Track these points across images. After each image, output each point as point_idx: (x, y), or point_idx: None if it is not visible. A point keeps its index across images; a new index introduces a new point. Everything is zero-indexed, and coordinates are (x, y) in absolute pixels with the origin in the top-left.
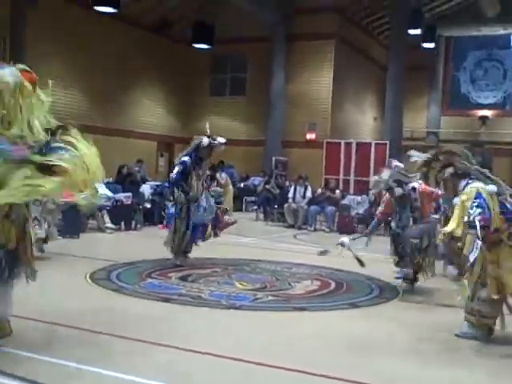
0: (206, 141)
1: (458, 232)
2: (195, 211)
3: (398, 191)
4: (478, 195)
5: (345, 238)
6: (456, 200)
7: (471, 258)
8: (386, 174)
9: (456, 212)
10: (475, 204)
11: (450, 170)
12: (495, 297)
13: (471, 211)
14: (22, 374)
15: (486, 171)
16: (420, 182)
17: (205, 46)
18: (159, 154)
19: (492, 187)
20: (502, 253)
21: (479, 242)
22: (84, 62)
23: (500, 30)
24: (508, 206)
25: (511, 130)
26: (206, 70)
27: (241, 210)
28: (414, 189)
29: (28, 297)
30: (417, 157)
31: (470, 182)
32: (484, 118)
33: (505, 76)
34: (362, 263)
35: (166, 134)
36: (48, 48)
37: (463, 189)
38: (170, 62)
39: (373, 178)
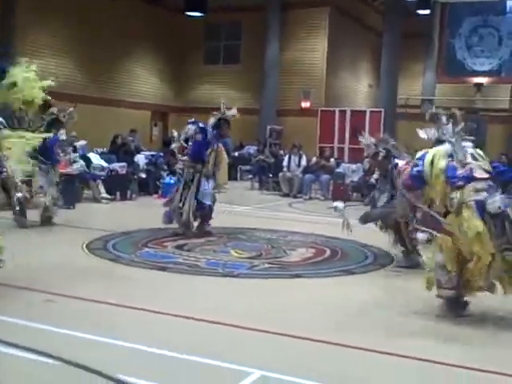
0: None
1: None
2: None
3: (382, 154)
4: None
5: (339, 203)
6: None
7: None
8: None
9: None
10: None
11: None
12: (448, 266)
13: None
14: (17, 341)
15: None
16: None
17: (198, 14)
18: (153, 124)
19: (446, 146)
20: (450, 219)
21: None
22: (75, 31)
23: None
24: (457, 171)
25: (506, 97)
26: (199, 39)
27: (236, 179)
28: (395, 165)
29: (24, 266)
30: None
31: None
32: (479, 85)
33: (500, 42)
34: (349, 228)
35: (159, 103)
36: (38, 17)
37: None
38: (163, 30)
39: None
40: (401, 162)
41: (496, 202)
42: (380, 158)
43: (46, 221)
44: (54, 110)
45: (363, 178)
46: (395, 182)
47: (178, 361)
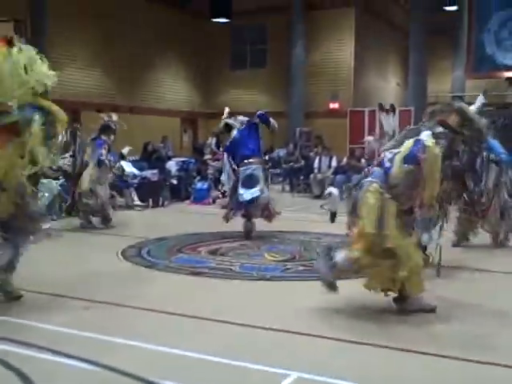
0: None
1: None
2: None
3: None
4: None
5: (333, 189)
6: None
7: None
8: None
9: None
10: None
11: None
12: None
13: None
14: (61, 349)
15: None
16: None
17: (223, 20)
18: (183, 130)
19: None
20: None
21: None
22: (104, 41)
23: None
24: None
25: None
26: (225, 44)
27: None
28: None
29: (61, 274)
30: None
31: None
32: (511, 80)
33: None
34: (332, 219)
35: (188, 109)
36: (68, 29)
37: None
38: (189, 36)
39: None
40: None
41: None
42: None
43: (104, 222)
44: (104, 116)
45: None
46: None
47: (217, 365)
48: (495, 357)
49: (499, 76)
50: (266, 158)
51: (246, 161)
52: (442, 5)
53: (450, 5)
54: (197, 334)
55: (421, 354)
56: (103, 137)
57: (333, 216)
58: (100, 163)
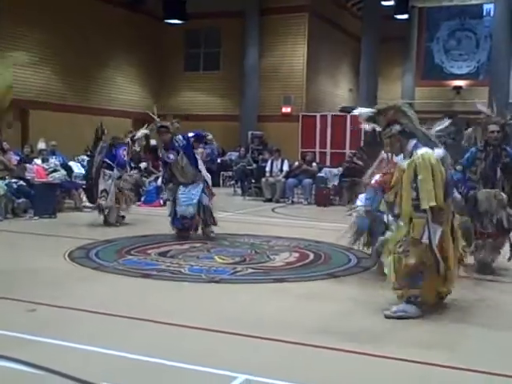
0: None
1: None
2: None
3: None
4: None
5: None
6: (399, 162)
7: (427, 240)
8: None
9: (405, 181)
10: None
11: (397, 127)
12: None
13: (420, 194)
14: (4, 353)
15: (431, 134)
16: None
17: (177, 22)
18: (129, 131)
19: (439, 151)
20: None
21: (436, 227)
22: (55, 39)
23: (472, 0)
24: (449, 176)
25: (484, 100)
26: (179, 46)
27: (218, 185)
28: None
29: (5, 275)
30: (359, 111)
31: (419, 145)
32: (458, 88)
33: (477, 45)
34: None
35: (140, 110)
36: (18, 28)
37: (411, 151)
38: (142, 38)
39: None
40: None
41: None
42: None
43: (118, 220)
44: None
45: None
46: None
47: (162, 367)
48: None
49: (447, 84)
50: (218, 161)
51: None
52: (393, 13)
53: (401, 13)
54: (141, 335)
55: (367, 356)
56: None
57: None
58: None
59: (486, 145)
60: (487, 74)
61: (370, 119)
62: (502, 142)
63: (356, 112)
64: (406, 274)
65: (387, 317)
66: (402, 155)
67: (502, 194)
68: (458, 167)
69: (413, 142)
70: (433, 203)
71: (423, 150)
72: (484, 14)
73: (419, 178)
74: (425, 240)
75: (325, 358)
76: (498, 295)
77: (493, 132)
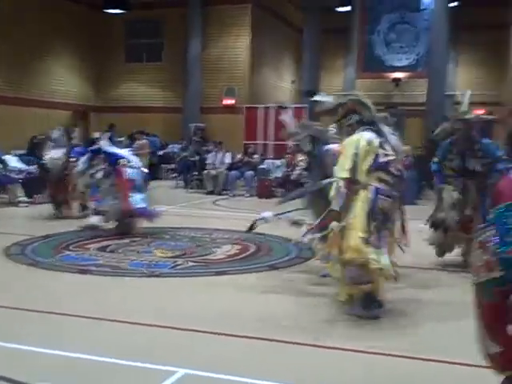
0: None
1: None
2: None
3: (306, 147)
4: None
5: (267, 213)
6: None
7: (334, 207)
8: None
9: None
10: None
11: (356, 117)
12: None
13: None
14: None
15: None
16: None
17: (118, 11)
18: (73, 124)
19: (371, 134)
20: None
21: (341, 190)
22: None
23: None
24: (379, 159)
25: (423, 92)
26: (120, 36)
27: (160, 178)
28: (326, 151)
29: None
30: (322, 97)
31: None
32: (397, 80)
33: (417, 38)
34: (251, 228)
35: (80, 102)
36: None
37: None
38: (82, 27)
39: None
40: (333, 146)
41: None
42: (305, 149)
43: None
44: None
45: (286, 173)
46: (328, 169)
47: (102, 364)
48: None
49: (387, 77)
50: (161, 153)
51: None
52: (335, 5)
53: (342, 6)
54: (79, 333)
55: (307, 346)
56: None
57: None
58: None
59: (457, 139)
60: (426, 66)
61: (330, 111)
62: (470, 135)
63: (318, 98)
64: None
65: (348, 313)
66: None
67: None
68: (435, 159)
69: (363, 128)
70: (342, 175)
71: (359, 135)
72: (423, 7)
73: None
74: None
75: (264, 350)
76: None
77: (458, 129)
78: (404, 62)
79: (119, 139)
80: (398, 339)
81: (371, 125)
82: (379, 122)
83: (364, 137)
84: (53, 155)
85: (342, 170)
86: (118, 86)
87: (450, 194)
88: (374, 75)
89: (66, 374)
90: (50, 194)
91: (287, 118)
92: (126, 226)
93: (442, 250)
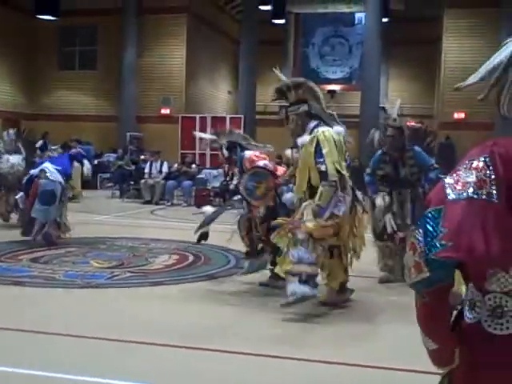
0: None
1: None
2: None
3: (224, 152)
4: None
5: (208, 207)
6: (301, 140)
7: (337, 212)
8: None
9: (303, 156)
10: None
11: (304, 106)
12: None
13: (323, 166)
14: None
15: (335, 115)
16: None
17: (50, 18)
18: (5, 132)
19: (339, 128)
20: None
21: (344, 195)
22: None
23: (344, 9)
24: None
25: (357, 104)
26: (53, 43)
27: (96, 187)
28: (242, 157)
29: None
30: (282, 78)
31: (320, 124)
32: (332, 92)
33: (350, 51)
34: (201, 239)
35: (10, 109)
36: None
37: (311, 131)
38: (13, 33)
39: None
40: (249, 153)
41: None
42: (225, 153)
43: None
44: None
45: (224, 183)
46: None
47: (35, 378)
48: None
49: (322, 89)
50: (96, 162)
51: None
52: (270, 18)
53: (278, 18)
54: (12, 346)
55: (243, 355)
56: None
57: (202, 235)
58: None
59: (389, 146)
60: (359, 79)
61: (281, 92)
62: (401, 144)
63: (280, 75)
64: (297, 245)
65: (283, 306)
66: (303, 137)
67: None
68: (367, 169)
69: (314, 122)
70: (335, 177)
71: (324, 128)
72: (356, 22)
73: (324, 151)
74: (331, 210)
75: (202, 359)
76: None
77: (389, 136)
78: (338, 75)
79: (53, 148)
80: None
81: (319, 119)
82: (327, 119)
83: (334, 130)
84: (12, 160)
85: (332, 171)
86: (51, 93)
87: (383, 198)
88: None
89: None
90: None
91: (202, 134)
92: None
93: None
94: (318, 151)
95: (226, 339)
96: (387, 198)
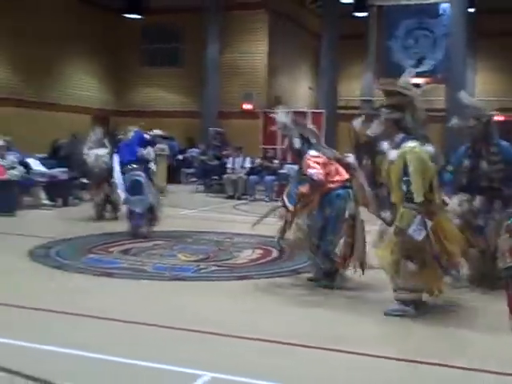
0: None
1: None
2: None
3: (296, 141)
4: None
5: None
6: (391, 155)
7: (417, 236)
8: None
9: (393, 175)
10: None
11: (397, 115)
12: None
13: (412, 187)
14: None
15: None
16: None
17: (135, 16)
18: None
19: (429, 148)
20: (440, 223)
21: (420, 218)
22: (9, 33)
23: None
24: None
25: (441, 97)
26: (137, 40)
27: (180, 182)
28: (305, 154)
29: None
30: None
31: (407, 138)
32: (417, 86)
33: (435, 44)
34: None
35: (99, 107)
36: None
37: (399, 144)
38: (100, 31)
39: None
40: (313, 153)
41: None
42: (295, 145)
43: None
44: None
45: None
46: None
47: (127, 366)
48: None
49: None
50: (180, 157)
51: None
52: (352, 11)
53: (359, 11)
54: (105, 335)
55: (346, 353)
56: None
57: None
58: None
59: (473, 138)
60: (444, 71)
61: (387, 93)
62: (485, 136)
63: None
64: (410, 277)
65: (386, 314)
66: (388, 144)
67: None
68: (449, 167)
69: (402, 135)
70: (421, 199)
71: (413, 144)
72: (440, 12)
73: (411, 169)
74: (411, 232)
75: (290, 354)
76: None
77: (470, 127)
78: (422, 68)
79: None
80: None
81: (407, 134)
82: (419, 136)
83: (424, 149)
84: (98, 152)
85: (418, 193)
86: (137, 90)
87: (461, 202)
88: (392, 81)
89: (90, 375)
90: (91, 195)
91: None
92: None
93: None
94: (404, 169)
95: (317, 338)
96: (466, 205)
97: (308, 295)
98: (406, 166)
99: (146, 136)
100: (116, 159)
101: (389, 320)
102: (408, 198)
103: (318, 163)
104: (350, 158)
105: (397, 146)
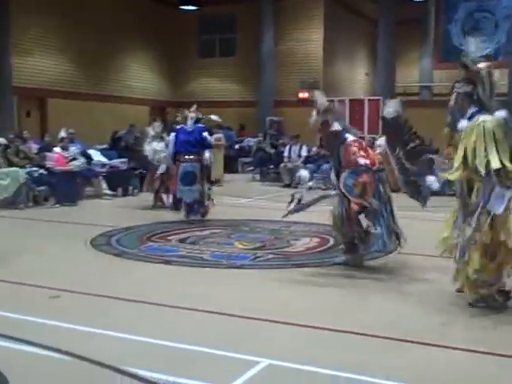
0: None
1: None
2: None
3: (336, 125)
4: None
5: (303, 171)
6: (460, 125)
7: (498, 210)
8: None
9: (460, 150)
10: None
11: (468, 88)
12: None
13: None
14: (25, 337)
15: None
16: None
17: (192, 8)
18: (153, 119)
19: (500, 113)
20: None
21: (503, 191)
22: (73, 28)
23: None
24: None
25: (504, 82)
26: (194, 32)
27: (236, 171)
28: (344, 140)
29: (29, 263)
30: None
31: (480, 111)
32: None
33: (496, 27)
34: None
35: (157, 98)
36: (33, 16)
37: (470, 117)
38: (157, 24)
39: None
40: (351, 138)
41: None
42: (332, 129)
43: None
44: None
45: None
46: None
47: (186, 352)
48: None
49: None
50: (237, 147)
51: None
52: None
53: None
54: (167, 321)
55: (390, 340)
56: None
57: (298, 206)
58: None
59: None
60: (506, 55)
61: (463, 66)
62: None
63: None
64: (494, 269)
65: (472, 305)
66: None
67: None
68: None
69: (475, 108)
70: (497, 165)
71: (485, 117)
72: None
73: (483, 146)
74: (490, 206)
75: (346, 341)
76: None
77: None
78: (484, 52)
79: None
80: None
81: (480, 106)
82: (491, 107)
83: (496, 117)
84: (155, 147)
85: (494, 159)
86: (193, 80)
87: None
88: (451, 66)
89: (152, 361)
90: (150, 185)
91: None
92: None
93: None
94: (477, 141)
95: (377, 328)
96: None
97: (365, 285)
98: (478, 139)
99: (205, 131)
100: (172, 141)
101: (447, 310)
102: (477, 170)
103: (361, 149)
104: (382, 141)
105: (469, 118)
